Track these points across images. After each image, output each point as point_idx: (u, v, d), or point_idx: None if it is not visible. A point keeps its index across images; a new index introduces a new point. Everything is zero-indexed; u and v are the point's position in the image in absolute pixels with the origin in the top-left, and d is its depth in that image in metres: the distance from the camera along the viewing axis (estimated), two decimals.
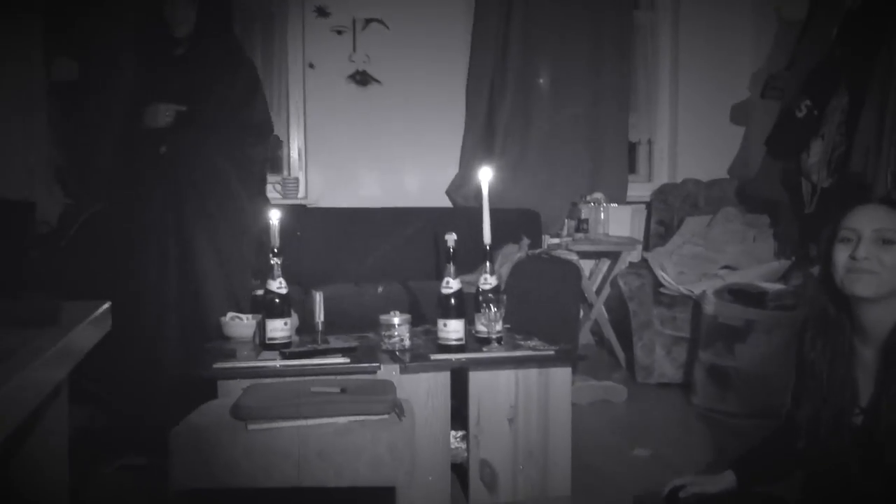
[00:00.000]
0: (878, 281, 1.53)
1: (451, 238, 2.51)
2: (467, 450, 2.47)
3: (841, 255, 1.58)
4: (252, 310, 2.80)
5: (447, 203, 4.61)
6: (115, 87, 3.29)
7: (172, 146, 2.92)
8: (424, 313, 3.00)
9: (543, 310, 3.49)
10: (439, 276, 2.57)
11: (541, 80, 4.63)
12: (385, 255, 4.11)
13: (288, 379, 2.27)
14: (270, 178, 4.55)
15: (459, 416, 2.49)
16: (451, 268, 2.50)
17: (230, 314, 2.75)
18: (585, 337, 4.43)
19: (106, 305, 1.14)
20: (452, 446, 2.49)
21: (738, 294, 3.58)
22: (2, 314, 0.91)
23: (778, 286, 3.64)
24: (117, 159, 3.08)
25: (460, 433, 2.51)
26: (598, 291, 4.48)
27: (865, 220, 1.57)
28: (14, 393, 0.68)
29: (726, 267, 4.09)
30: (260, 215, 3.00)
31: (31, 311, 0.95)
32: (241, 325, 2.70)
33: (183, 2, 2.95)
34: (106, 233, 3.03)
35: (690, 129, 4.91)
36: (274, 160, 4.73)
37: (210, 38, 3.01)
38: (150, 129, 2.92)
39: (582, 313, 4.31)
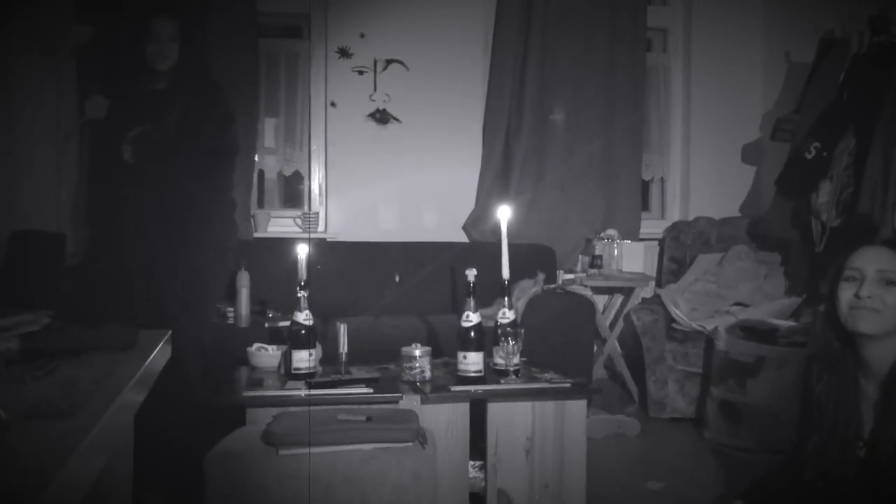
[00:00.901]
0: (880, 319, 1.61)
1: (471, 273, 2.58)
2: (485, 479, 2.52)
3: (845, 293, 1.66)
4: (270, 340, 2.90)
5: (464, 238, 4.70)
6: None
7: (149, 175, 3.06)
8: (441, 346, 3.05)
9: (558, 343, 3.54)
10: (455, 310, 2.62)
11: (556, 119, 4.75)
12: (403, 289, 4.18)
13: (315, 407, 2.35)
14: (291, 212, 4.70)
15: (477, 446, 2.54)
16: (472, 302, 2.56)
17: (256, 345, 2.83)
18: (599, 371, 4.46)
19: (168, 333, 1.24)
20: (471, 475, 2.54)
21: (750, 330, 3.63)
22: (88, 340, 1.01)
23: (789, 323, 3.70)
24: (109, 191, 3.22)
25: (478, 463, 2.56)
26: (612, 326, 4.55)
27: (869, 261, 1.66)
28: (117, 416, 0.77)
29: (738, 304, 4.14)
30: (229, 238, 3.17)
31: (113, 338, 1.06)
32: (266, 355, 2.78)
33: (167, 38, 3.09)
34: (106, 264, 3.17)
35: (702, 168, 4.98)
36: (295, 195, 4.86)
37: (190, 72, 3.16)
38: (127, 161, 3.06)
39: (595, 348, 4.36)
